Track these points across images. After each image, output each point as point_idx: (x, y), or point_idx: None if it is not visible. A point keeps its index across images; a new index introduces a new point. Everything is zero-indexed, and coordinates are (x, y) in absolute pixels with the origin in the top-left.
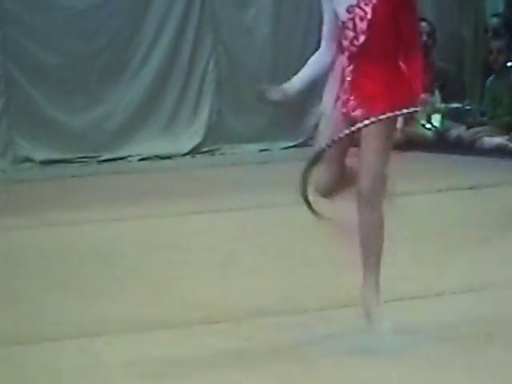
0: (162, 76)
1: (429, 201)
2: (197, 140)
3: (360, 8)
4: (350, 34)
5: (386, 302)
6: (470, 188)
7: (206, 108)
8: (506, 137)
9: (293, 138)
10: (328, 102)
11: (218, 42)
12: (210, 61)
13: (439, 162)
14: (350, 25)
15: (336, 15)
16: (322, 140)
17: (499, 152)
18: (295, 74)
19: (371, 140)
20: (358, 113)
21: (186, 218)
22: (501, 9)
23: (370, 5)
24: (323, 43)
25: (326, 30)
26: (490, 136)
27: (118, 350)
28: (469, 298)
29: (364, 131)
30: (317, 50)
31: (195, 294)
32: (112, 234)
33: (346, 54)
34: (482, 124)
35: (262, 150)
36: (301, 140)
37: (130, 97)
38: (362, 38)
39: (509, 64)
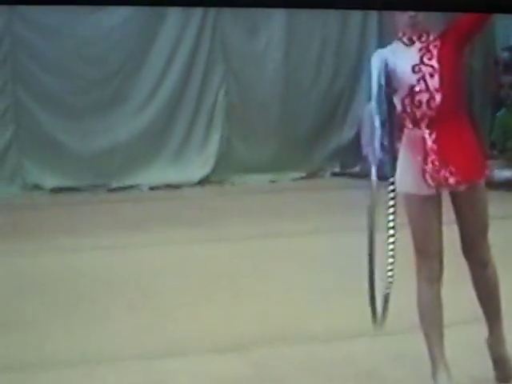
0: (172, 104)
1: None
2: (207, 170)
3: (426, 65)
4: (425, 96)
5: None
6: None
7: (216, 137)
8: None
9: (302, 169)
10: (405, 179)
11: (229, 71)
12: (221, 89)
13: (448, 196)
14: (422, 86)
15: (393, 82)
16: (414, 222)
17: (509, 185)
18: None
19: (480, 203)
20: (454, 180)
21: (195, 247)
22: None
23: (434, 58)
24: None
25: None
26: (500, 169)
27: (125, 376)
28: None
29: (470, 196)
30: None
31: (203, 321)
32: (120, 261)
33: (425, 121)
34: (492, 157)
35: (271, 181)
36: (310, 171)
37: (139, 125)
38: (438, 97)
39: None
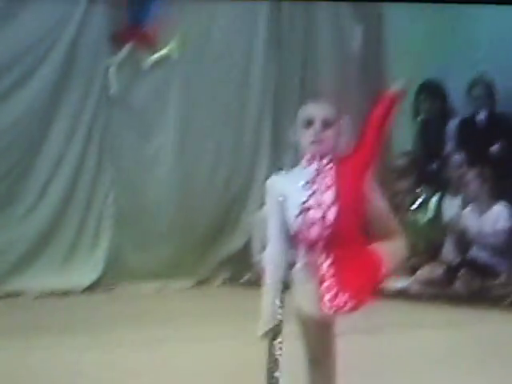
0: (60, 210)
1: None
2: (95, 276)
3: (319, 181)
4: (318, 213)
5: None
6: (369, 332)
7: (104, 243)
8: (409, 280)
9: (192, 276)
10: (300, 303)
11: (119, 175)
12: (110, 194)
13: None
14: (314, 202)
15: (285, 204)
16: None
17: (402, 295)
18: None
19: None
20: (350, 307)
21: (82, 354)
22: (409, 147)
23: (331, 176)
24: (273, 243)
25: (274, 226)
26: (393, 278)
27: None
28: None
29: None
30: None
31: None
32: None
33: (320, 243)
34: None
35: (161, 287)
36: (200, 279)
37: (26, 230)
38: (331, 214)
39: (415, 206)
